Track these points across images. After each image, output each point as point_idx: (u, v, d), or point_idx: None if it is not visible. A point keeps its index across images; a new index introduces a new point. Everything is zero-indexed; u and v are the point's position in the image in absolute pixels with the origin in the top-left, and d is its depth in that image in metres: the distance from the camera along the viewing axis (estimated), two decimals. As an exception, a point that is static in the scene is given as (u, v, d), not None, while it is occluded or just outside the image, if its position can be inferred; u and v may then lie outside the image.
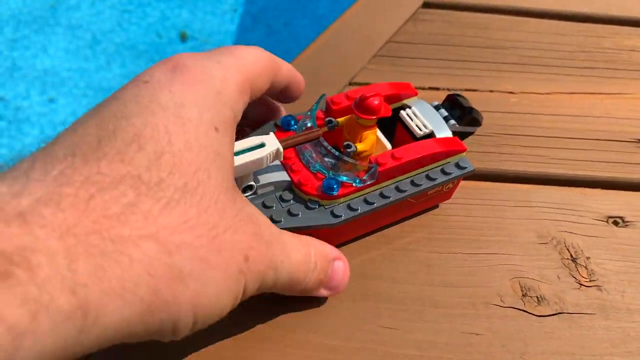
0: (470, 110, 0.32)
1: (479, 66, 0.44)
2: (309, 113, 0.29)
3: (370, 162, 0.28)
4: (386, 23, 0.46)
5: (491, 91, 0.42)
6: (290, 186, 0.28)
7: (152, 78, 0.22)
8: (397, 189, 0.29)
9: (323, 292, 0.27)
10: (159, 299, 0.18)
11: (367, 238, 0.31)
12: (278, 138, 0.27)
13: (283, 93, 0.29)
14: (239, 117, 0.24)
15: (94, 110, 0.21)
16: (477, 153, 0.37)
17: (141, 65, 1.28)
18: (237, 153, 0.25)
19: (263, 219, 0.23)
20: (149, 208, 0.18)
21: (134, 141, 0.19)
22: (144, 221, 0.18)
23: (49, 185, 0.17)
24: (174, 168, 0.19)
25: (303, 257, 0.25)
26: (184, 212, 0.19)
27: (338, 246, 0.30)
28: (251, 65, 0.25)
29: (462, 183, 0.34)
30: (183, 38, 1.33)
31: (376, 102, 0.27)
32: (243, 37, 1.34)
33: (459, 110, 0.32)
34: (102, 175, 0.18)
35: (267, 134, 0.27)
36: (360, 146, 0.29)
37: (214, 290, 0.20)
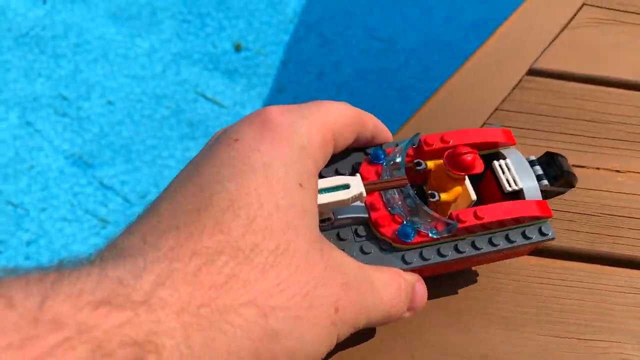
0: (568, 173, 0.30)
1: (583, 140, 0.43)
2: (400, 146, 0.29)
3: (451, 216, 0.28)
4: (493, 90, 0.45)
5: (597, 168, 0.41)
6: (366, 222, 0.28)
7: (242, 137, 0.23)
8: (473, 246, 0.28)
9: (407, 315, 0.27)
10: (258, 358, 0.20)
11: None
12: (365, 173, 0.28)
13: (369, 144, 0.29)
14: (321, 167, 0.25)
15: (191, 172, 0.22)
16: (584, 233, 0.37)
17: (195, 73, 1.33)
18: (322, 191, 0.26)
19: (350, 265, 0.24)
20: (247, 276, 0.20)
21: (229, 208, 0.20)
22: (243, 289, 0.19)
23: (162, 263, 0.19)
24: (266, 232, 0.21)
25: (395, 291, 0.25)
26: (278, 275, 0.20)
27: None
28: (336, 119, 0.25)
29: (564, 264, 0.35)
30: (237, 49, 1.37)
31: (469, 159, 0.27)
32: (296, 47, 1.37)
33: (554, 170, 0.30)
34: (205, 247, 0.19)
35: (356, 166, 0.29)
36: (444, 196, 0.29)
37: (310, 345, 0.21)
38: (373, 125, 0.28)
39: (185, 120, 1.29)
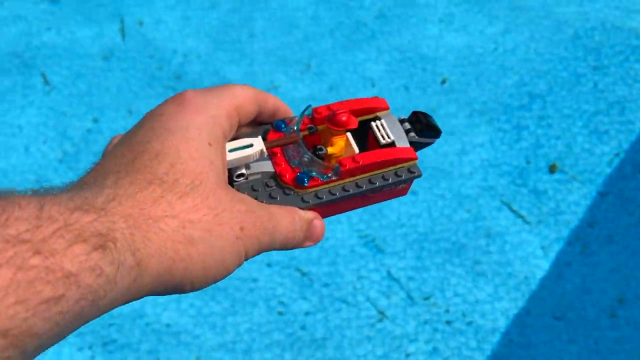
0: (429, 125, 0.38)
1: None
2: (296, 116, 0.37)
3: (336, 162, 0.35)
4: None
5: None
6: (273, 175, 0.35)
7: (165, 111, 0.31)
8: (356, 185, 0.36)
9: (308, 244, 0.35)
10: (179, 256, 0.27)
11: None
12: (271, 137, 0.36)
13: (274, 117, 0.37)
14: (228, 134, 0.33)
15: (128, 137, 0.31)
16: None
17: (502, 183, 1.24)
18: (232, 150, 0.33)
19: (252, 201, 0.32)
20: (170, 198, 0.28)
21: (155, 157, 0.29)
22: (168, 206, 0.27)
23: (110, 189, 0.27)
24: (184, 172, 0.29)
25: (290, 221, 0.33)
26: (193, 200, 0.28)
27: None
28: (239, 97, 0.34)
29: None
30: (552, 170, 1.26)
31: (344, 118, 0.34)
32: (621, 184, 1.22)
33: (420, 125, 0.38)
34: (138, 179, 0.28)
35: (263, 133, 0.36)
36: (330, 150, 0.36)
37: (218, 251, 0.29)
38: (273, 102, 0.36)
39: (484, 228, 1.19)
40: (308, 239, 0.35)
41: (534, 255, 1.16)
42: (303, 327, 1.08)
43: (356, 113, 0.38)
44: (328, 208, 0.37)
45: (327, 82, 1.40)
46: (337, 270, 1.14)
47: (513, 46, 1.48)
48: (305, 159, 0.35)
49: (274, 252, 1.15)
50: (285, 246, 0.34)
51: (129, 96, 1.37)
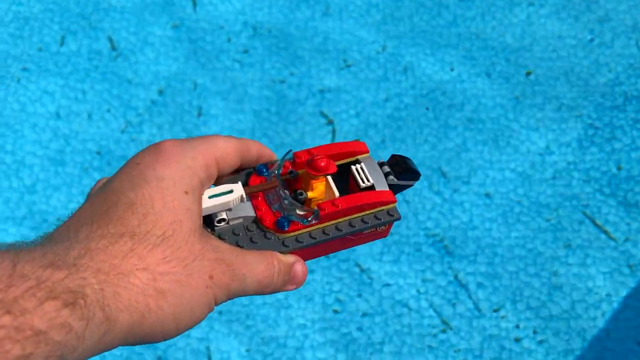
0: (408, 168, 0.39)
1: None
2: (277, 162, 0.38)
3: (316, 206, 0.36)
4: None
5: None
6: (255, 220, 0.36)
7: (142, 161, 0.32)
8: (336, 228, 0.37)
9: (290, 288, 0.36)
10: (149, 309, 0.28)
11: None
12: (252, 182, 0.37)
13: (257, 162, 0.38)
14: (206, 183, 0.34)
15: (107, 184, 0.32)
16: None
17: (587, 192, 1.13)
18: (212, 196, 0.34)
19: (224, 246, 0.33)
20: (141, 251, 0.28)
21: (129, 208, 0.30)
22: (139, 260, 0.28)
23: (82, 243, 0.28)
24: (155, 223, 0.30)
25: (265, 266, 0.34)
26: (163, 251, 0.29)
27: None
28: (219, 149, 0.35)
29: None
30: (647, 178, 1.14)
31: (322, 164, 0.35)
32: None
33: (400, 168, 0.39)
34: (110, 233, 0.28)
35: (243, 179, 0.37)
36: (310, 194, 0.37)
37: (187, 301, 0.30)
38: (257, 149, 0.38)
39: (563, 239, 1.09)
40: (289, 282, 0.36)
41: (619, 272, 1.06)
42: (360, 329, 1.01)
43: (336, 157, 0.39)
44: (309, 251, 0.38)
45: (402, 64, 1.31)
46: (400, 270, 1.07)
47: (611, 37, 1.34)
48: (286, 204, 0.36)
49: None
50: (262, 291, 0.34)
51: (196, 68, 1.32)
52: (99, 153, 1.20)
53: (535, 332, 1.01)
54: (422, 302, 1.04)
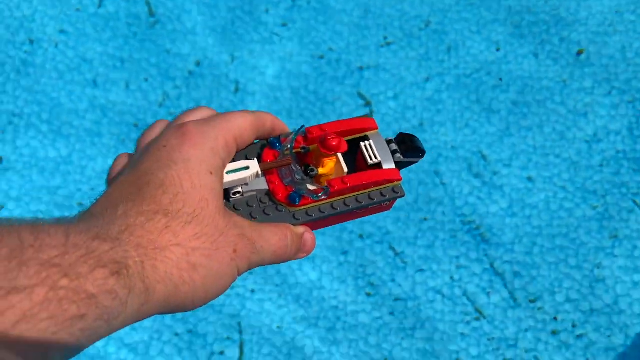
0: (414, 146, 0.41)
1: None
2: (290, 136, 0.38)
3: (326, 183, 0.38)
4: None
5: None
6: (268, 193, 0.38)
7: (168, 143, 0.34)
8: (344, 204, 0.39)
9: (301, 255, 0.39)
10: (183, 281, 0.30)
11: None
12: (265, 155, 0.39)
13: (271, 135, 0.40)
14: (227, 161, 0.36)
15: (133, 167, 0.34)
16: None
17: (637, 179, 1.08)
18: (230, 172, 0.36)
19: (245, 223, 0.35)
20: (175, 228, 0.31)
21: (160, 188, 0.32)
22: (173, 235, 0.31)
23: (121, 219, 0.30)
24: (185, 202, 0.32)
25: (280, 238, 0.36)
26: (194, 228, 0.31)
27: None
28: (236, 126, 0.36)
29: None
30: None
31: (334, 143, 0.36)
32: None
33: (405, 146, 0.41)
34: (146, 211, 0.31)
35: (258, 151, 0.39)
36: (320, 170, 0.38)
37: (216, 273, 0.32)
38: (271, 122, 0.39)
39: (610, 229, 1.04)
40: (300, 251, 0.39)
41: (665, 268, 1.01)
42: (392, 313, 1.00)
43: (346, 133, 0.41)
44: (318, 223, 0.40)
45: (446, 43, 1.26)
46: (435, 255, 1.04)
47: (670, 17, 1.27)
48: (298, 179, 0.38)
49: (367, 224, 1.07)
50: (277, 260, 0.37)
51: (234, 39, 1.30)
52: (136, 125, 1.19)
53: (574, 326, 0.98)
54: (455, 290, 1.01)
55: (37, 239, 0.26)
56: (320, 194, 0.38)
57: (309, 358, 0.97)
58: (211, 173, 0.34)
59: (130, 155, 0.37)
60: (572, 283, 1.01)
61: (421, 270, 1.03)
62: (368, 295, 1.02)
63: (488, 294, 1.01)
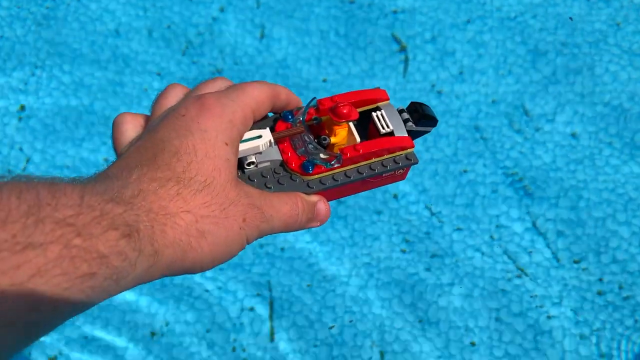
0: (426, 115, 0.41)
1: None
2: (302, 108, 0.40)
3: (339, 151, 0.38)
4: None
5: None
6: (281, 163, 0.39)
7: (187, 112, 0.35)
8: (357, 171, 0.39)
9: (314, 225, 0.39)
10: (191, 247, 0.31)
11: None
12: (278, 128, 0.39)
13: (285, 108, 0.40)
14: (243, 132, 0.37)
15: (150, 133, 0.35)
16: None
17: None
18: (243, 141, 0.37)
19: (255, 192, 0.36)
20: (186, 195, 0.32)
21: (175, 155, 0.33)
22: (184, 202, 0.31)
23: (135, 184, 0.31)
24: (198, 170, 0.33)
25: (290, 207, 0.37)
26: (204, 196, 0.32)
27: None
28: (255, 98, 0.37)
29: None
30: None
31: (345, 110, 0.37)
32: None
33: (418, 115, 0.41)
34: (159, 177, 0.32)
35: (271, 124, 0.40)
36: (333, 139, 0.39)
37: (224, 241, 0.33)
38: (286, 94, 0.40)
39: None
40: (312, 220, 0.39)
41: None
42: (428, 269, 0.96)
43: (358, 104, 0.41)
44: (332, 192, 0.40)
45: (487, -17, 1.17)
46: (474, 214, 0.99)
47: None
48: (310, 148, 0.38)
49: (401, 184, 1.02)
50: (288, 229, 0.38)
51: (259, -18, 1.22)
52: (159, 74, 1.15)
53: (621, 288, 0.93)
54: (495, 249, 0.97)
55: (53, 198, 0.27)
56: (333, 162, 0.38)
57: (339, 317, 0.94)
58: (226, 144, 0.35)
59: (139, 116, 0.38)
60: (620, 242, 0.96)
61: (459, 230, 0.99)
62: (403, 252, 0.98)
63: (530, 254, 0.96)
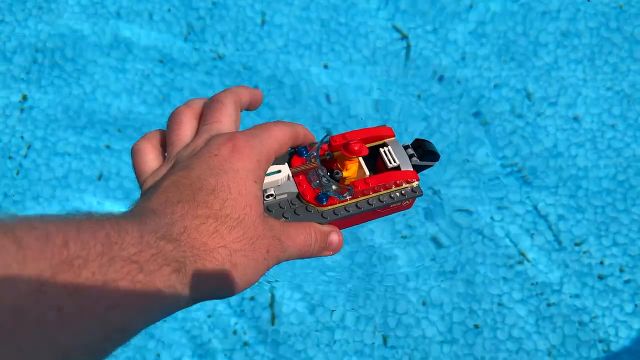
0: (428, 151, 0.45)
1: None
2: (316, 144, 0.44)
3: (350, 184, 0.42)
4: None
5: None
6: (297, 195, 0.42)
7: (220, 153, 0.37)
8: (368, 203, 0.43)
9: (327, 254, 0.42)
10: (225, 278, 0.35)
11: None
12: (294, 162, 0.43)
13: (302, 145, 0.44)
14: (267, 171, 0.40)
15: (186, 170, 0.37)
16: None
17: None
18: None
19: (277, 225, 0.39)
20: (222, 231, 0.35)
21: (212, 193, 0.36)
22: (220, 238, 0.35)
23: (180, 222, 0.34)
24: (233, 208, 0.36)
25: (304, 236, 0.40)
26: (237, 232, 0.35)
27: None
28: (278, 139, 0.40)
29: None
30: None
31: (356, 148, 0.41)
32: None
33: (421, 150, 0.45)
34: (199, 215, 0.35)
35: (287, 159, 0.43)
36: (345, 173, 0.43)
37: (251, 270, 0.36)
38: (303, 134, 0.43)
39: (659, 172, 0.99)
40: (326, 249, 0.42)
41: None
42: (433, 259, 0.97)
43: (367, 140, 0.44)
44: (344, 221, 0.43)
45: (489, -32, 1.17)
46: (476, 196, 1.00)
47: None
48: (324, 181, 0.42)
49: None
50: (302, 256, 0.41)
51: (259, -32, 1.22)
52: (161, 61, 1.14)
53: (621, 271, 0.94)
54: (497, 230, 0.98)
55: (119, 236, 0.31)
56: (345, 194, 0.42)
57: (341, 305, 0.95)
58: (255, 182, 0.38)
59: (158, 146, 0.42)
60: (619, 227, 0.97)
61: (460, 211, 0.99)
62: (404, 237, 0.99)
63: (531, 236, 0.97)
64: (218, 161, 0.37)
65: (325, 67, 1.11)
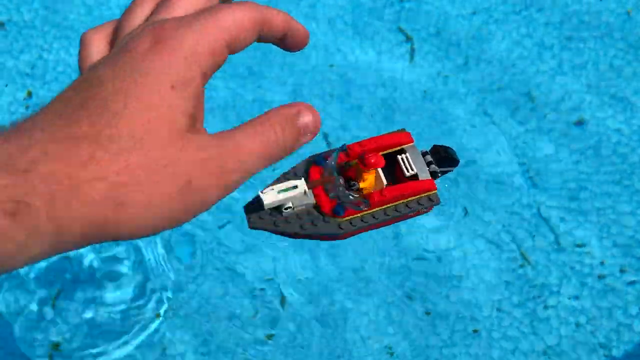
0: (447, 157, 0.44)
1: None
2: (333, 154, 0.42)
3: (367, 195, 0.41)
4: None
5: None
6: (315, 206, 0.42)
7: (136, 47, 0.28)
8: (385, 213, 0.43)
9: (305, 140, 0.32)
10: (106, 220, 0.26)
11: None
12: (312, 175, 0.42)
13: (282, 42, 0.33)
14: (210, 71, 0.30)
15: (92, 71, 0.28)
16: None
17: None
18: (281, 191, 0.39)
19: (213, 142, 0.28)
20: (101, 157, 0.26)
21: (102, 105, 0.26)
22: (96, 167, 0.25)
23: (41, 144, 0.25)
24: (128, 124, 0.26)
25: (263, 136, 0.30)
26: (127, 159, 0.26)
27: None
28: (230, 26, 0.29)
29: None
30: None
31: (373, 160, 0.40)
32: None
33: (439, 157, 0.44)
34: (70, 135, 0.26)
35: (306, 167, 0.43)
36: (361, 184, 0.42)
37: (153, 211, 0.27)
38: (282, 21, 0.31)
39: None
40: (301, 136, 0.32)
41: None
42: (439, 260, 0.98)
43: (385, 148, 0.44)
44: (361, 230, 0.43)
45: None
46: (492, 203, 1.01)
47: None
48: (341, 193, 0.41)
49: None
50: (272, 161, 0.31)
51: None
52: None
53: (622, 271, 0.95)
54: (502, 235, 0.99)
55: None
56: (361, 206, 0.42)
57: (347, 311, 0.96)
58: (173, 87, 0.27)
59: (109, 35, 0.32)
60: (621, 228, 0.98)
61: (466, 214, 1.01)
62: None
63: (533, 238, 0.98)
64: (129, 58, 0.28)
65: (331, 67, 1.12)
